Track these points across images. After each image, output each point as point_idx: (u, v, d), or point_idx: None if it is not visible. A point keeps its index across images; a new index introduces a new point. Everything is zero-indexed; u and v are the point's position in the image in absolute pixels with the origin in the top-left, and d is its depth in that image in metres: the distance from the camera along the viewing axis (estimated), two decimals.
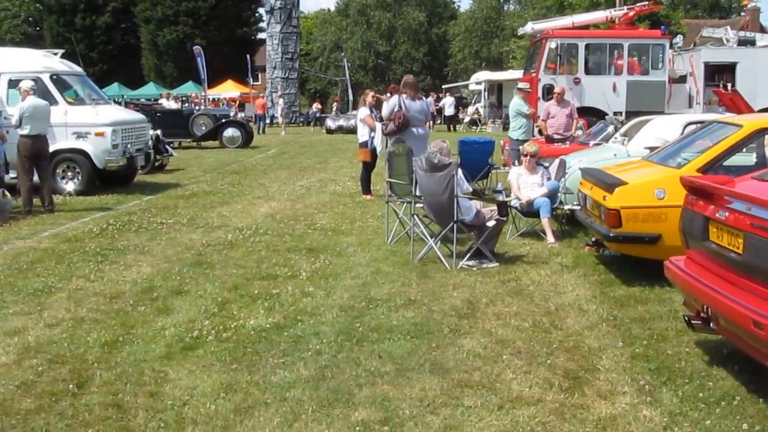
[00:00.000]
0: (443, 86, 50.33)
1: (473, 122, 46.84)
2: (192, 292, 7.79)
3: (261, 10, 61.76)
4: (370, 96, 15.49)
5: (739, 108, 15.93)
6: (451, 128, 41.71)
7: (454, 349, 6.07)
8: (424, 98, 14.32)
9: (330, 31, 69.61)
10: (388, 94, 15.61)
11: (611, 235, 7.98)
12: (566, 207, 11.05)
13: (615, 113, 21.44)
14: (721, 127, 9.13)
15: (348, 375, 5.50)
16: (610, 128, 15.11)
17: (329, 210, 13.21)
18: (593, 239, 9.68)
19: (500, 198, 9.71)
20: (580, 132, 17.10)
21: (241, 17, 62.22)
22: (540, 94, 21.48)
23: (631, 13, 23.89)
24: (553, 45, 21.52)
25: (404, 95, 13.82)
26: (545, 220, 10.45)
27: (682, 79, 22.30)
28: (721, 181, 5.76)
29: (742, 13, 70.38)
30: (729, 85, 21.48)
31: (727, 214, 5.11)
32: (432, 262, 9.14)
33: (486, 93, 48.14)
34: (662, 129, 11.72)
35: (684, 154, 9.00)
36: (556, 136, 16.15)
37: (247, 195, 15.29)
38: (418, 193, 9.59)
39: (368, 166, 14.86)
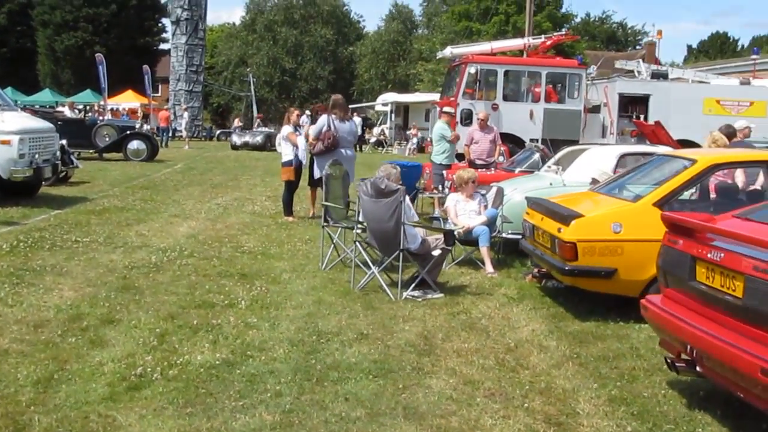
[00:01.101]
0: (349, 106, 50.08)
1: (379, 143, 46.80)
2: (124, 321, 7.17)
3: (165, 20, 60.55)
4: (294, 114, 15.06)
5: (660, 140, 16.10)
6: (357, 149, 41.37)
7: (423, 390, 5.68)
8: (353, 119, 13.95)
9: (235, 45, 68.55)
10: (307, 113, 15.16)
11: (566, 268, 7.74)
12: (504, 235, 10.86)
13: (531, 140, 21.51)
14: (669, 160, 9.07)
15: (316, 421, 5.04)
16: (536, 156, 15.05)
17: (253, 232, 12.67)
18: (538, 270, 9.47)
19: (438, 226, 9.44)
20: (501, 158, 17.04)
21: (143, 26, 60.78)
22: (458, 118, 21.38)
23: (549, 42, 24.16)
24: (472, 70, 21.48)
25: (333, 115, 13.47)
26: (484, 249, 10.20)
27: (596, 109, 22.59)
28: (701, 220, 5.58)
29: (638, 47, 73.12)
30: (642, 116, 21.88)
31: (722, 255, 4.89)
32: (374, 292, 8.76)
33: (392, 114, 48.21)
34: (597, 160, 11.67)
35: (633, 187, 8.89)
36: (478, 162, 16.01)
37: (162, 212, 14.58)
38: (360, 219, 9.20)
39: (291, 186, 14.39)
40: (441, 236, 9.11)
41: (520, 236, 11.12)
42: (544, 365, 6.40)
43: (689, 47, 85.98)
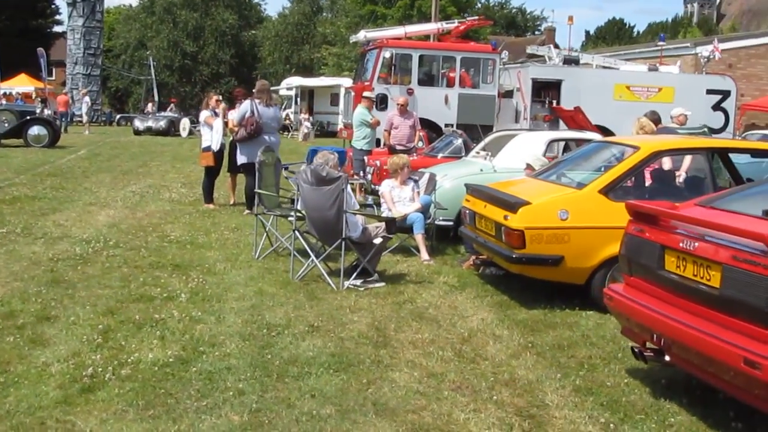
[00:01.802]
0: (253, 90, 49.24)
1: (284, 128, 46.27)
2: (62, 317, 6.79)
3: (59, 2, 58.51)
4: (213, 99, 14.67)
5: (580, 125, 16.31)
6: None
7: (389, 384, 5.54)
8: (277, 105, 13.65)
9: (134, 28, 66.66)
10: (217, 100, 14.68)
11: (514, 256, 7.69)
12: (436, 222, 10.79)
13: (446, 125, 21.54)
14: (607, 147, 9.15)
15: (287, 420, 4.84)
16: (459, 141, 15.04)
17: (176, 220, 12.28)
18: (476, 257, 9.44)
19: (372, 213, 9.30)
20: (420, 144, 16.98)
21: (36, 8, 58.54)
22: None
23: (462, 27, 24.18)
24: (387, 54, 21.31)
25: (257, 100, 13.15)
26: (419, 236, 10.10)
27: (509, 94, 22.72)
28: (665, 208, 5.58)
29: (537, 32, 74.28)
30: (555, 102, 22.14)
31: (696, 244, 4.88)
32: (314, 281, 8.57)
33: (298, 99, 47.68)
34: (527, 145, 11.69)
35: (573, 173, 8.92)
36: (398, 147, 15.88)
37: (76, 201, 14.01)
38: (299, 207, 8.97)
39: (211, 172, 14.02)
40: (381, 224, 8.97)
41: (451, 222, 11.13)
42: (502, 355, 6.33)
43: (587, 33, 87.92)
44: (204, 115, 14.16)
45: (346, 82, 43.14)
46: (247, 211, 13.20)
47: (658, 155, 8.06)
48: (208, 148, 13.82)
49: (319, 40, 59.86)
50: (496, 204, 8.13)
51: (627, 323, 5.68)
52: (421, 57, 22.19)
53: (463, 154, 14.32)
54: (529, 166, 10.12)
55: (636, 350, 5.46)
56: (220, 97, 15.35)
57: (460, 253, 10.60)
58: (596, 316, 7.56)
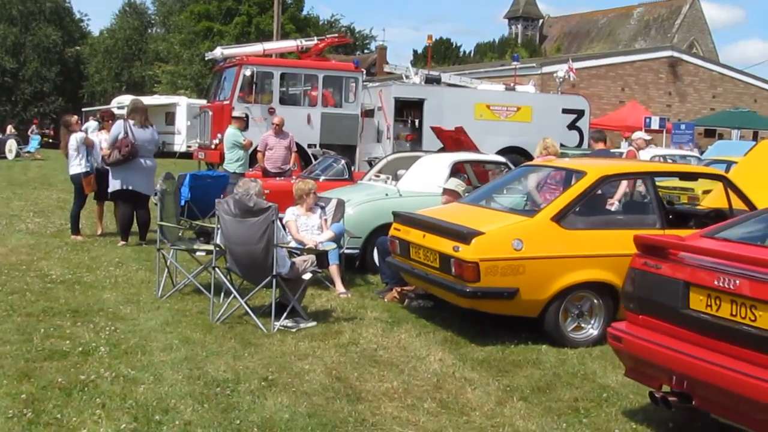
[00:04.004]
0: (82, 109, 46.82)
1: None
2: None
3: None
4: (74, 119, 13.38)
5: (461, 147, 16.03)
6: None
7: None
8: (153, 126, 12.59)
9: None
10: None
11: (467, 290, 7.16)
12: (345, 251, 10.13)
13: (309, 145, 20.93)
14: (545, 170, 8.83)
15: None
16: (342, 164, 14.42)
17: (48, 255, 10.99)
18: (404, 290, 8.87)
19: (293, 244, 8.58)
20: (295, 166, 16.27)
21: None
22: None
23: (322, 45, 23.58)
24: (247, 72, 20.40)
25: (131, 121, 12.09)
26: (334, 267, 9.40)
27: (371, 113, 22.33)
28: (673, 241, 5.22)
29: (366, 51, 74.69)
30: (417, 121, 21.94)
31: (737, 282, 4.50)
32: (238, 324, 7.76)
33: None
34: (431, 169, 11.25)
35: (505, 199, 8.54)
36: (272, 170, 15.15)
37: None
38: (218, 242, 8.11)
39: (83, 200, 12.80)
40: (309, 258, 8.23)
41: (357, 251, 10.52)
42: (489, 404, 5.78)
43: (415, 52, 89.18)
44: (80, 137, 12.80)
45: (182, 100, 41.76)
46: (122, 243, 12.11)
47: (606, 180, 7.77)
48: (88, 173, 12.55)
49: (151, 57, 57.64)
50: (441, 234, 7.57)
51: (642, 366, 5.25)
52: (282, 75, 21.45)
53: (347, 176, 13.75)
54: (448, 192, 9.61)
55: (657, 396, 5.01)
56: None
57: (371, 283, 10.02)
58: (554, 351, 7.18)
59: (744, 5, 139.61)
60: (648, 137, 13.09)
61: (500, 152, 18.75)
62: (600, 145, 11.57)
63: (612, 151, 12.19)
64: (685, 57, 37.52)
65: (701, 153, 24.42)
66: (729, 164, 16.73)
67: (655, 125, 27.83)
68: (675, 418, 5.46)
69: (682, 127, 29.29)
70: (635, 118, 29.08)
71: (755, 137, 33.50)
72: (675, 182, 13.24)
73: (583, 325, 7.51)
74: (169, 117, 42.38)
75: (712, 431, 5.23)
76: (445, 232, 7.51)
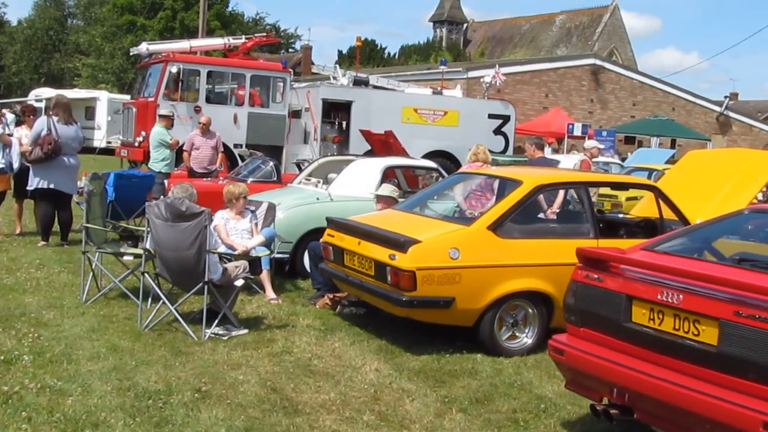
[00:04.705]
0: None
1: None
2: None
3: None
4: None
5: (390, 151, 15.99)
6: None
7: None
8: (77, 123, 12.21)
9: None
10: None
11: (404, 299, 7.08)
12: (275, 255, 9.97)
13: (235, 145, 20.61)
14: (479, 178, 8.81)
15: None
16: (270, 165, 14.21)
17: None
18: (336, 296, 8.76)
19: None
20: (221, 167, 15.98)
21: None
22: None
23: (250, 43, 23.26)
24: (174, 69, 19.97)
25: (55, 117, 11.72)
26: (265, 273, 9.26)
27: (297, 114, 22.13)
28: (614, 254, 5.23)
29: (291, 50, 74.21)
30: (344, 123, 21.83)
31: (681, 296, 4.53)
32: (167, 331, 7.55)
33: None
34: (363, 173, 11.15)
35: (439, 206, 8.50)
36: (198, 170, 14.88)
37: None
38: (148, 246, 7.87)
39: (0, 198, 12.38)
40: (241, 263, 8.06)
41: (287, 255, 10.35)
42: (429, 416, 5.72)
43: (340, 52, 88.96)
44: None
45: (103, 94, 40.80)
46: (43, 243, 11.72)
47: (541, 189, 7.80)
48: (3, 170, 12.11)
49: (71, 49, 56.27)
50: (377, 241, 7.48)
51: (577, 377, 5.25)
52: (209, 73, 21.08)
53: (275, 178, 13.57)
54: (381, 198, 9.53)
55: (598, 408, 5.01)
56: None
57: (302, 289, 9.88)
58: (489, 360, 7.16)
59: (661, 14, 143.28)
60: (601, 146, 13.27)
61: (427, 156, 18.81)
62: (539, 153, 11.63)
63: (551, 158, 12.26)
64: (607, 65, 38.19)
65: (622, 160, 24.90)
66: (651, 172, 17.17)
67: (577, 132, 28.25)
68: (614, 430, 5.47)
69: (604, 134, 29.81)
70: (559, 124, 29.48)
71: (673, 145, 34.43)
72: (601, 190, 13.42)
73: (517, 334, 7.51)
74: (89, 111, 41.33)
75: None
76: (381, 240, 7.43)
